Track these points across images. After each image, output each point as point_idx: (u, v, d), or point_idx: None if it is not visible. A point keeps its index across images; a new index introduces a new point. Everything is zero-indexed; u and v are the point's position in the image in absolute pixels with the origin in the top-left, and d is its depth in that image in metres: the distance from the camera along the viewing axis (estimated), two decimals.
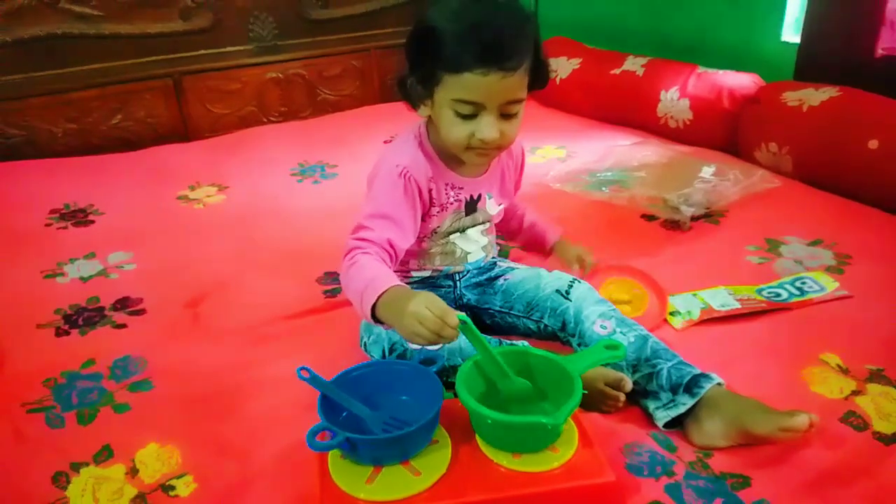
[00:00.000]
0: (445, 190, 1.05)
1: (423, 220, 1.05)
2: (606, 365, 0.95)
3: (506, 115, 0.94)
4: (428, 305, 0.80)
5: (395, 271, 0.97)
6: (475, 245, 1.13)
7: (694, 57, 2.11)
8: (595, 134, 2.15)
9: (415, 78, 0.97)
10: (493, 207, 1.12)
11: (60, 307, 1.30)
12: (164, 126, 2.36)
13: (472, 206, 1.09)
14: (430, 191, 1.03)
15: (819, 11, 1.81)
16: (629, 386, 0.96)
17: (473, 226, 1.12)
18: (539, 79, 0.98)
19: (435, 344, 0.82)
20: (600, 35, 2.51)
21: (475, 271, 1.17)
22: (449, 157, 1.03)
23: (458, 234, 1.11)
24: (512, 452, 0.84)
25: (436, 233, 1.09)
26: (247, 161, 2.06)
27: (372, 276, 0.89)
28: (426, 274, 1.13)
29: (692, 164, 1.73)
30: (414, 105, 1.00)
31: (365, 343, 1.05)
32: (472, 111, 0.93)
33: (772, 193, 1.62)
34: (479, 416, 0.82)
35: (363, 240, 0.96)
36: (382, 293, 0.86)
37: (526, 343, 1.07)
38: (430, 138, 1.04)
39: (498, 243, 1.39)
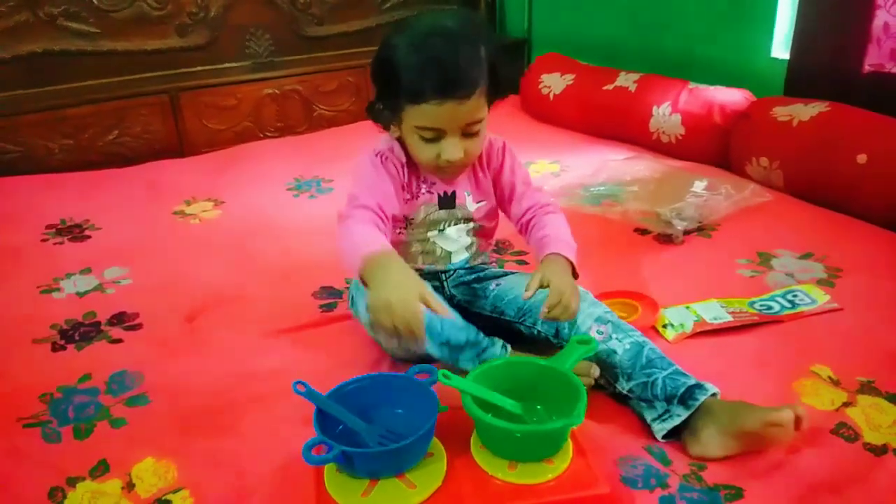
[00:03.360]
0: (418, 182, 1.12)
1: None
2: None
3: (468, 134, 1.02)
4: (404, 310, 0.84)
5: None
6: (456, 244, 1.16)
7: (685, 73, 2.13)
8: (588, 149, 2.16)
9: (381, 104, 1.05)
10: (471, 205, 1.15)
11: (56, 322, 1.30)
12: (160, 142, 2.37)
13: (447, 201, 1.13)
14: (402, 174, 1.10)
15: (808, 28, 1.84)
16: (597, 372, 1.00)
17: (454, 224, 1.15)
18: (498, 92, 1.04)
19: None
20: (593, 52, 2.54)
21: (462, 271, 1.19)
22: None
23: (436, 232, 1.14)
24: (527, 461, 0.86)
25: (410, 223, 1.13)
26: (243, 176, 2.06)
27: (363, 241, 0.94)
28: None
29: (684, 179, 1.75)
30: (385, 127, 1.09)
31: (353, 297, 1.08)
32: (434, 135, 1.01)
33: (763, 207, 1.64)
34: (506, 432, 0.84)
35: (356, 207, 1.02)
36: (370, 253, 0.91)
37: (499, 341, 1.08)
38: (404, 146, 1.10)
39: (496, 257, 1.41)
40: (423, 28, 1.00)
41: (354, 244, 0.94)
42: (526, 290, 1.00)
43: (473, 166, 1.14)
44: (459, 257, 1.18)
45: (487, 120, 1.05)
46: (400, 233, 1.14)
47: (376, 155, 1.09)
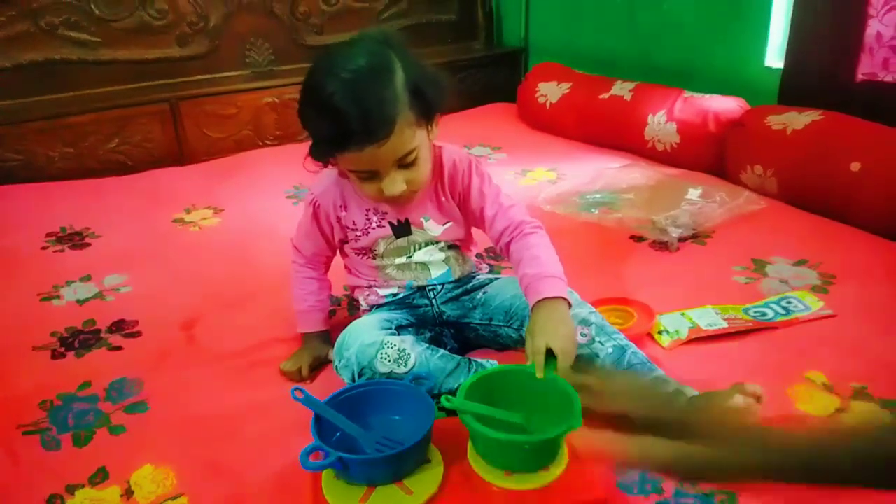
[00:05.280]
0: (366, 215, 1.10)
1: (346, 240, 1.14)
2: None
3: (405, 165, 0.97)
4: (290, 366, 1.15)
5: (366, 288, 1.17)
6: (431, 260, 1.14)
7: (680, 82, 2.15)
8: (584, 157, 2.18)
9: (318, 149, 0.99)
10: (434, 228, 1.12)
11: (56, 330, 1.31)
12: (160, 150, 2.38)
13: (402, 229, 1.11)
14: (339, 218, 1.11)
15: (802, 38, 1.85)
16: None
17: (421, 248, 1.13)
18: (433, 109, 0.98)
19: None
20: (589, 61, 2.56)
21: (449, 286, 1.17)
22: None
23: (404, 259, 1.13)
24: (529, 470, 0.86)
25: (375, 254, 1.13)
26: (242, 184, 2.08)
27: (297, 302, 1.20)
28: (393, 291, 1.16)
29: (679, 187, 1.76)
30: (331, 165, 1.04)
31: (336, 367, 1.06)
32: (370, 175, 0.97)
33: (757, 215, 1.65)
34: (513, 444, 0.84)
35: (296, 258, 1.20)
36: (301, 331, 1.21)
37: (494, 362, 1.08)
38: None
39: (490, 264, 1.42)
40: (328, 73, 0.92)
41: (295, 301, 1.21)
42: (538, 372, 0.91)
43: (435, 190, 1.10)
44: (439, 271, 1.15)
45: (434, 136, 1.02)
46: (369, 262, 1.14)
47: (310, 203, 1.12)
